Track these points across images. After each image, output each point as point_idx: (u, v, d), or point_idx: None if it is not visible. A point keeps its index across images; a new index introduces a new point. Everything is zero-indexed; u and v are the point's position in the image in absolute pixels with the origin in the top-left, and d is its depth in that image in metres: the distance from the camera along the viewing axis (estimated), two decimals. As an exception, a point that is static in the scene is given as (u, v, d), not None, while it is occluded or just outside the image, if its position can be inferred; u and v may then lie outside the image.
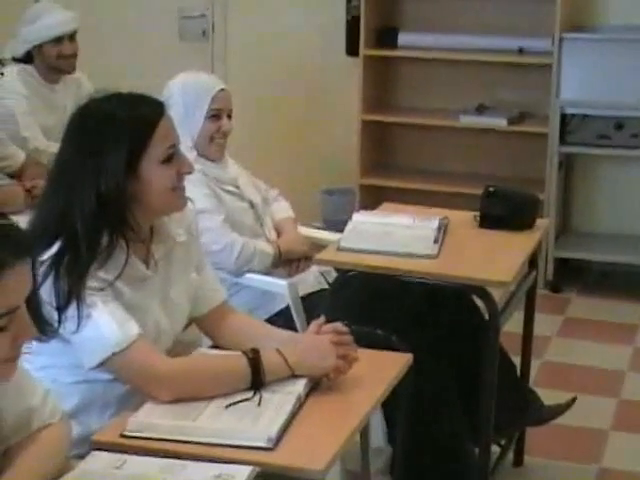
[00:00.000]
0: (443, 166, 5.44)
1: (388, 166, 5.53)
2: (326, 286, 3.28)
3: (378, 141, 5.50)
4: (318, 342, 2.20)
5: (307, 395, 2.10)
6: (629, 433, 3.76)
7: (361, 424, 2.05)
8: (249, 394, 2.07)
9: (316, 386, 2.15)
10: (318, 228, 4.32)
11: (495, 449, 3.22)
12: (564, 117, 4.97)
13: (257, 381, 2.09)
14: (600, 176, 5.34)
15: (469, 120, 5.22)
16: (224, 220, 3.23)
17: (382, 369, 2.26)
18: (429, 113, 5.34)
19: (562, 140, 5.00)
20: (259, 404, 2.03)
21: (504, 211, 3.22)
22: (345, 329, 2.23)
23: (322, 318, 2.29)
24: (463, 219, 3.25)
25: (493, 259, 2.98)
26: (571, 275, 5.20)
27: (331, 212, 5.41)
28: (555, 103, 4.95)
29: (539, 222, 3.29)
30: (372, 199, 4.99)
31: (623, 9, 5.11)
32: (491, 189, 3.26)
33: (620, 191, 5.30)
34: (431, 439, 2.92)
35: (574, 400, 3.40)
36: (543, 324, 4.57)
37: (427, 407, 2.84)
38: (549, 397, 3.45)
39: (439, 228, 3.07)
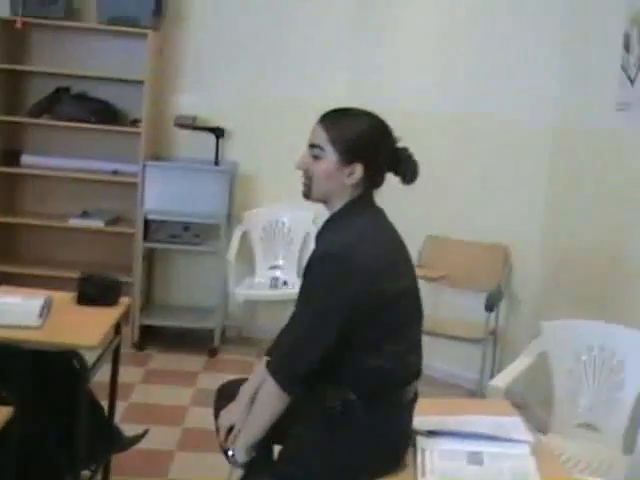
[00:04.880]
0: (58, 258, 5.23)
1: (14, 257, 5.24)
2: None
3: (5, 237, 5.22)
4: None
5: None
6: (189, 452, 3.78)
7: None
8: None
9: None
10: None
11: (87, 473, 3.10)
12: (147, 221, 4.99)
13: None
14: (174, 264, 5.41)
15: (76, 222, 5.10)
16: None
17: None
18: (46, 216, 5.15)
19: (146, 238, 5.01)
20: None
21: (95, 291, 3.15)
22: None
23: None
24: (65, 298, 3.14)
25: (86, 328, 2.89)
26: (152, 337, 5.18)
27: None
28: (141, 211, 4.96)
29: (122, 299, 3.25)
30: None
31: (189, 146, 5.26)
32: (85, 275, 3.18)
33: (187, 275, 5.39)
34: (35, 472, 2.75)
35: (146, 431, 3.37)
36: (130, 375, 4.54)
37: (30, 446, 2.67)
38: (134, 429, 3.37)
39: (44, 305, 2.95)
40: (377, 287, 2.07)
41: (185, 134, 5.18)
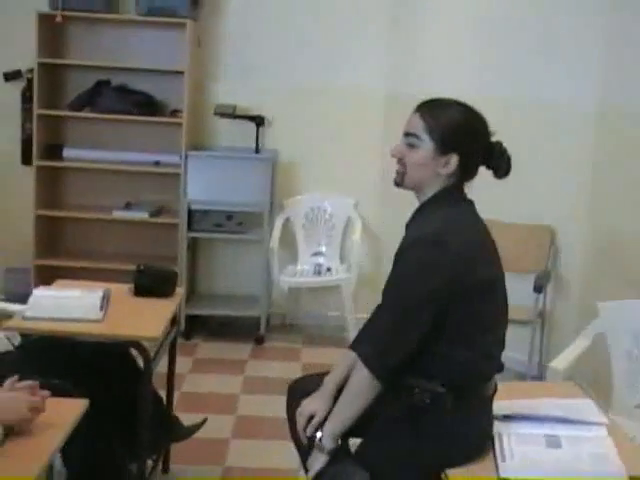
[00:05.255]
0: (103, 250, 5.26)
1: (59, 250, 5.27)
2: (11, 348, 2.97)
3: (50, 230, 5.24)
4: (12, 398, 1.98)
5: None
6: (244, 440, 3.80)
7: (50, 459, 1.91)
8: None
9: (11, 431, 1.95)
10: (2, 300, 4.00)
11: (149, 462, 3.13)
12: (190, 211, 5.00)
13: None
14: (217, 253, 5.42)
15: (120, 214, 5.12)
16: None
17: (64, 413, 2.10)
18: (90, 209, 5.18)
19: (190, 228, 5.00)
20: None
21: (152, 283, 3.17)
22: (36, 384, 2.06)
23: (16, 377, 2.10)
24: (122, 290, 3.17)
25: (145, 320, 2.92)
26: (198, 326, 5.21)
27: (12, 287, 5.11)
28: (184, 201, 4.97)
29: (178, 290, 3.28)
30: (45, 276, 4.78)
31: (229, 135, 5.26)
32: (141, 267, 3.20)
33: (231, 263, 5.40)
34: (96, 462, 2.76)
35: (205, 420, 3.39)
36: (180, 364, 4.53)
37: (92, 437, 2.69)
38: (188, 419, 3.41)
39: (103, 297, 2.97)
40: (471, 273, 2.06)
41: (225, 123, 5.19)
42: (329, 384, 2.32)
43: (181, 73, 4.90)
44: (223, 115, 5.09)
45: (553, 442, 2.04)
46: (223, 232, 5.09)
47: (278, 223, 5.20)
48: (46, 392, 2.05)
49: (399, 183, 2.22)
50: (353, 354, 2.34)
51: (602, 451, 2.01)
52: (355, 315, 5.01)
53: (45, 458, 1.86)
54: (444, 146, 2.13)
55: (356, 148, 5.25)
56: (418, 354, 2.09)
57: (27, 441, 1.93)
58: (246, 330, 5.17)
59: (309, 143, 5.28)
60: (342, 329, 5.20)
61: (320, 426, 2.26)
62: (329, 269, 5.23)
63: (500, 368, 2.17)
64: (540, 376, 4.55)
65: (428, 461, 2.10)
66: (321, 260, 5.31)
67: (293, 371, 4.67)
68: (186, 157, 4.94)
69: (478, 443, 2.12)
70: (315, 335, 5.30)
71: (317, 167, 5.29)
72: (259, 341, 5.08)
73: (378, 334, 2.15)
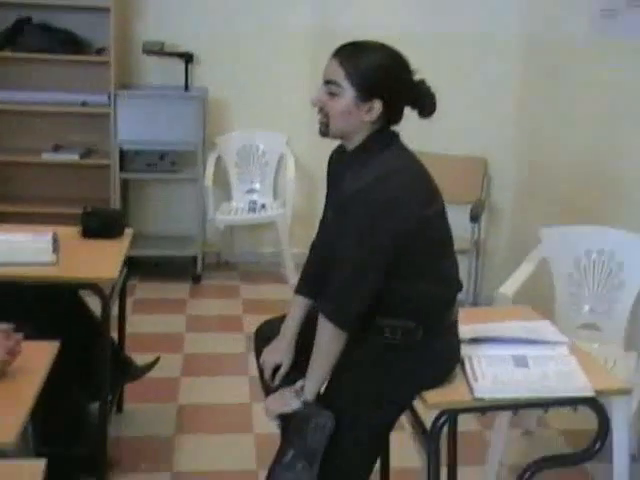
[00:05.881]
0: (33, 194, 5.10)
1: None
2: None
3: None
4: None
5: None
6: (194, 377, 3.82)
7: (34, 401, 1.89)
8: None
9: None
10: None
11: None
12: (122, 152, 4.91)
13: None
14: (151, 194, 5.35)
15: (50, 157, 4.97)
16: None
17: (37, 357, 2.09)
18: (16, 152, 5.00)
19: (122, 169, 4.93)
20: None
21: (100, 225, 3.13)
22: (10, 327, 2.03)
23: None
24: (69, 233, 3.10)
25: (99, 262, 2.88)
26: (134, 268, 5.11)
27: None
28: (114, 142, 4.86)
29: (127, 231, 3.23)
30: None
31: (158, 74, 5.15)
32: (88, 209, 3.15)
33: (165, 203, 5.34)
34: (57, 407, 2.74)
35: (158, 359, 3.39)
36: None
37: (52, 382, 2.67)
38: (137, 359, 3.40)
39: (54, 240, 2.92)
40: (421, 208, 2.05)
41: (153, 61, 5.07)
42: (287, 332, 2.32)
43: (106, 10, 4.75)
44: (151, 52, 4.97)
45: (521, 362, 2.12)
46: (156, 172, 5.02)
47: (210, 161, 5.15)
48: (19, 335, 2.03)
49: (325, 133, 2.16)
50: (302, 298, 2.36)
51: (567, 368, 2.11)
52: (291, 250, 5.05)
53: (29, 401, 1.85)
54: (366, 92, 2.06)
55: (286, 84, 5.21)
56: (381, 295, 2.10)
57: (7, 385, 1.91)
58: (182, 269, 5.15)
59: (239, 80, 5.21)
60: (277, 265, 5.24)
61: (287, 375, 2.27)
62: (263, 206, 5.23)
63: (460, 287, 2.22)
64: (476, 303, 4.70)
65: (399, 395, 2.14)
66: (255, 197, 5.30)
67: (234, 308, 4.71)
68: (115, 96, 4.81)
69: (448, 367, 2.18)
70: (251, 272, 5.32)
71: (248, 104, 5.24)
72: (196, 280, 5.07)
73: (337, 287, 2.09)
